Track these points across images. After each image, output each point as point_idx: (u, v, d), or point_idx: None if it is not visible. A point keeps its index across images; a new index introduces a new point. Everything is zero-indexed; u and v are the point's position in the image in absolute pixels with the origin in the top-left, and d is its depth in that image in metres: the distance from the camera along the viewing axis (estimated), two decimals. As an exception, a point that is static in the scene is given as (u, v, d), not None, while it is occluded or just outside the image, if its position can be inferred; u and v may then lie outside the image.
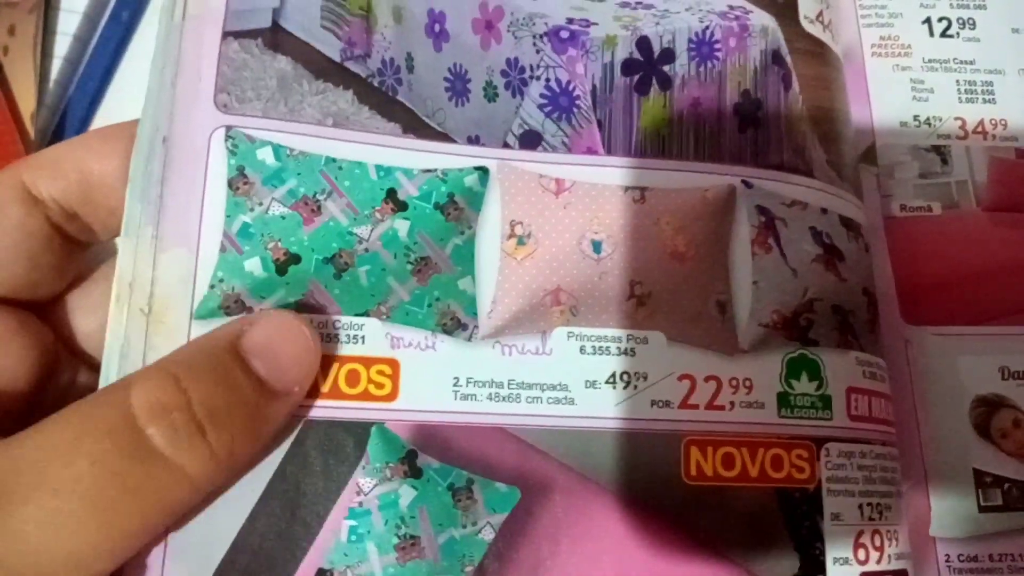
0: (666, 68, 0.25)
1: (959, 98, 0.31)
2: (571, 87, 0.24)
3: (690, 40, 0.25)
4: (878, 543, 0.23)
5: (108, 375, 0.21)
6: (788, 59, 0.26)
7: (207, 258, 0.22)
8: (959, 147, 0.30)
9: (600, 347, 0.22)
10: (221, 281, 0.21)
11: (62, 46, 0.36)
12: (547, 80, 0.24)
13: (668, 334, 0.23)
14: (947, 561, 0.27)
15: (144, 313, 0.21)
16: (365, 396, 0.22)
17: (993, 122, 0.31)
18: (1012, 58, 0.31)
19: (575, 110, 0.24)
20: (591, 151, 0.24)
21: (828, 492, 0.23)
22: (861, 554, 0.23)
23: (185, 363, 0.19)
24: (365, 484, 0.21)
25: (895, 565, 0.23)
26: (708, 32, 0.25)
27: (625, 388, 0.22)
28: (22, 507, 0.17)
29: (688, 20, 0.25)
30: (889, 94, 0.31)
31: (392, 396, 0.22)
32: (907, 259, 0.29)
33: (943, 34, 0.31)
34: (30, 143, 0.33)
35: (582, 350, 0.22)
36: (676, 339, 0.23)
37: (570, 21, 0.24)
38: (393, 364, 0.22)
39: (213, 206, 0.22)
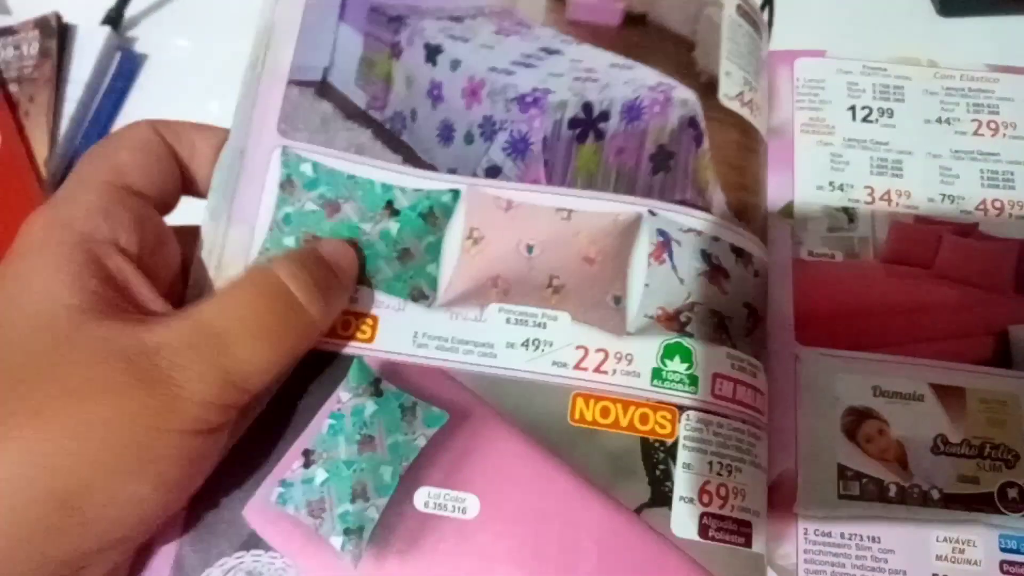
0: (602, 125, 0.33)
1: (871, 171, 0.37)
2: (528, 136, 0.33)
3: (623, 105, 0.33)
4: (723, 494, 0.30)
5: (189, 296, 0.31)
6: (702, 124, 0.34)
7: (260, 234, 0.32)
8: (865, 210, 0.37)
9: (520, 320, 0.31)
10: (267, 250, 0.31)
11: (69, 109, 0.52)
12: (511, 132, 0.33)
13: (573, 315, 0.31)
14: (805, 534, 0.32)
15: (215, 267, 0.31)
16: (352, 337, 0.31)
17: (898, 192, 0.37)
18: (921, 143, 0.38)
19: (528, 153, 0.33)
20: (536, 182, 0.32)
21: (683, 447, 0.30)
22: (705, 499, 0.29)
23: (300, 257, 0.29)
24: (343, 396, 0.30)
25: (738, 515, 0.30)
26: (638, 100, 0.34)
27: (535, 350, 0.30)
28: (236, 348, 0.26)
29: (624, 91, 0.34)
30: (811, 163, 0.37)
31: (371, 339, 0.31)
32: (808, 293, 0.36)
33: (864, 119, 0.38)
34: (44, 183, 0.49)
35: (507, 320, 0.31)
36: (579, 319, 0.31)
37: (535, 89, 0.34)
38: (374, 318, 0.31)
39: (268, 200, 0.32)
